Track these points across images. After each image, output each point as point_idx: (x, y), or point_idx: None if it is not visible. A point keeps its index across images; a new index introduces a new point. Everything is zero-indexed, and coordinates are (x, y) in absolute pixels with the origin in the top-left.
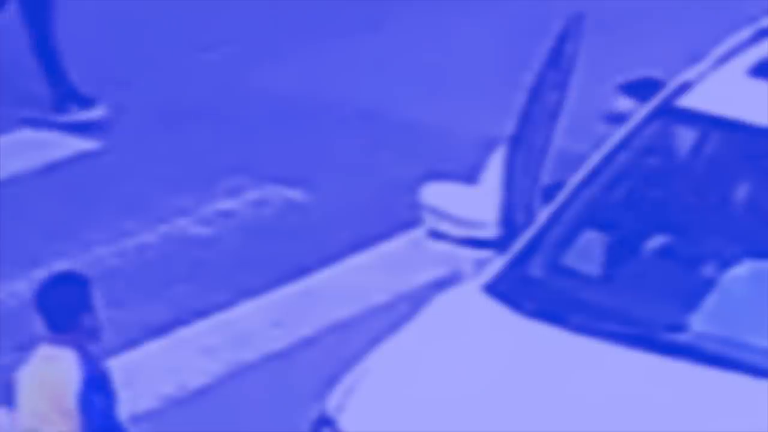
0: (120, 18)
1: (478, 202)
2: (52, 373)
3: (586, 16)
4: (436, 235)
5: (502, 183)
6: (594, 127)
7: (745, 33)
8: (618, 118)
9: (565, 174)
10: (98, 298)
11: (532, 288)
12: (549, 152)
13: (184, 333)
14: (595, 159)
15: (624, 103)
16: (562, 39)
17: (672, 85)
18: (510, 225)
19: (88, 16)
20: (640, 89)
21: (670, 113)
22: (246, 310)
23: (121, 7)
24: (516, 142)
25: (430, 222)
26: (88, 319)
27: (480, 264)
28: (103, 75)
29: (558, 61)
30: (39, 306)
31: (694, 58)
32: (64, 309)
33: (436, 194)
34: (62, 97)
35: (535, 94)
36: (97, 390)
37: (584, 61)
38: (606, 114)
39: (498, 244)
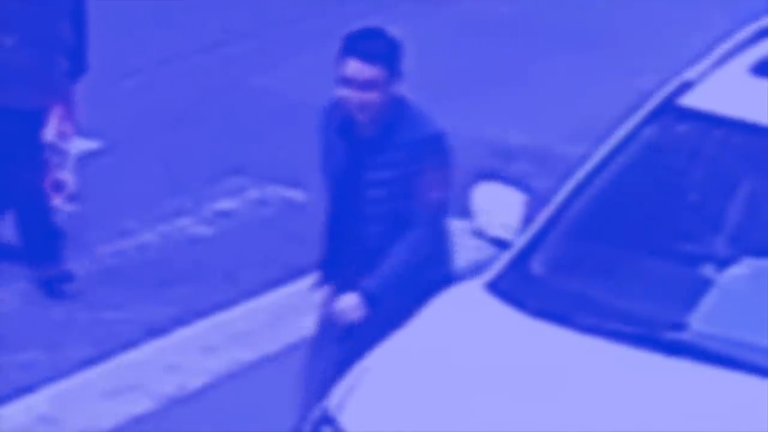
0: (120, 18)
1: (516, 206)
2: None
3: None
4: (479, 234)
5: None
6: (594, 130)
7: (745, 33)
8: None
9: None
10: None
11: (534, 286)
12: None
13: (184, 333)
14: (596, 157)
15: None
16: None
17: (673, 84)
18: None
19: (88, 15)
20: None
21: (672, 112)
22: (246, 310)
23: (121, 7)
24: None
25: (476, 220)
26: None
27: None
28: (103, 75)
29: None
30: None
31: (694, 59)
32: None
33: (485, 194)
34: None
35: None
36: None
37: (585, 65)
38: None
39: None
